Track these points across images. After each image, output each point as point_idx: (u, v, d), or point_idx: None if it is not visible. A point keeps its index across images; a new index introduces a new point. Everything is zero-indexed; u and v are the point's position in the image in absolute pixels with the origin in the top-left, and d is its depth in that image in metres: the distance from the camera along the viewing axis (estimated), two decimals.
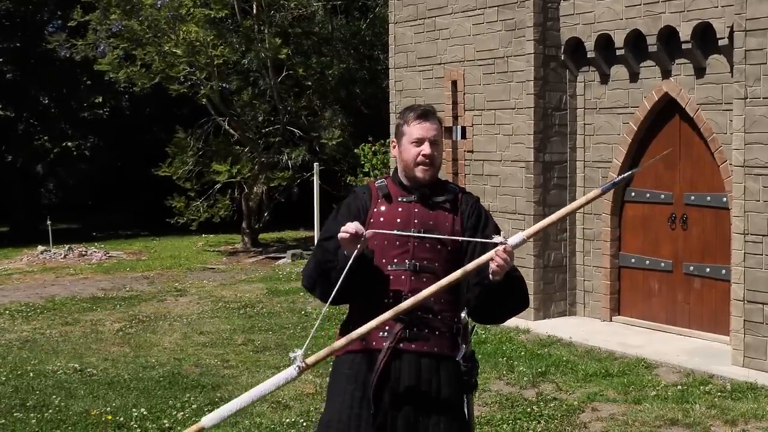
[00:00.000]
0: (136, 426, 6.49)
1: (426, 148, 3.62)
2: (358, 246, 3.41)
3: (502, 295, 3.51)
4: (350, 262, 3.42)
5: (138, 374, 7.97)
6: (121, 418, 6.64)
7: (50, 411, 6.85)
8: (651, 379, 7.68)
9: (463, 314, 3.66)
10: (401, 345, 3.53)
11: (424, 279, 3.55)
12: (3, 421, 6.64)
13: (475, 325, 3.72)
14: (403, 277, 3.55)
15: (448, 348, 3.59)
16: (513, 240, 3.40)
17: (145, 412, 6.77)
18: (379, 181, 3.75)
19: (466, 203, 3.72)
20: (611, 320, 10.07)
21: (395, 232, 3.58)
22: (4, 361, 8.55)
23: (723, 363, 8.13)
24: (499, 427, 6.41)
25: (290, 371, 3.42)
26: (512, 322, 9.91)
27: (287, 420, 6.59)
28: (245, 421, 6.58)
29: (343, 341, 3.47)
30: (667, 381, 7.61)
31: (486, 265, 3.40)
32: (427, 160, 3.62)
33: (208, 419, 3.46)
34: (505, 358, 8.35)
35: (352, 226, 3.41)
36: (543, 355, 8.50)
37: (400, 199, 3.66)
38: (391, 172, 3.86)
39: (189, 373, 8.01)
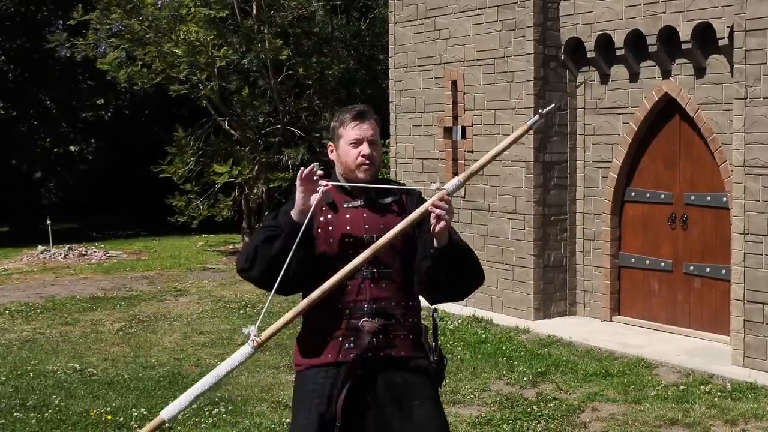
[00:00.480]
0: (136, 426, 6.49)
1: (365, 149, 3.54)
2: (318, 197, 3.38)
3: (452, 264, 3.40)
4: (306, 220, 3.38)
5: (138, 374, 7.97)
6: (121, 418, 6.63)
7: (50, 411, 6.85)
8: (651, 379, 7.68)
9: (433, 311, 3.66)
10: (369, 354, 3.47)
11: (383, 285, 3.49)
12: (3, 421, 6.64)
13: (437, 321, 3.67)
14: (362, 285, 3.45)
15: (412, 350, 3.55)
16: (449, 185, 3.34)
17: (145, 412, 6.77)
18: (322, 185, 3.56)
19: (411, 201, 3.62)
20: (611, 320, 10.07)
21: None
22: (4, 361, 8.55)
23: (723, 363, 8.12)
24: (499, 427, 6.41)
25: (245, 349, 3.38)
26: (512, 322, 9.93)
27: (287, 420, 6.58)
28: (245, 421, 6.58)
29: (303, 303, 3.34)
30: (667, 381, 7.61)
31: (430, 237, 3.36)
32: (368, 161, 3.54)
33: (167, 411, 3.42)
34: (505, 358, 8.35)
35: (304, 196, 3.39)
36: (543, 355, 8.50)
37: (345, 205, 3.55)
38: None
39: (189, 373, 8.01)
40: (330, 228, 3.51)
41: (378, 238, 3.39)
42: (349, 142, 3.56)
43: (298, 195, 3.43)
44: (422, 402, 3.52)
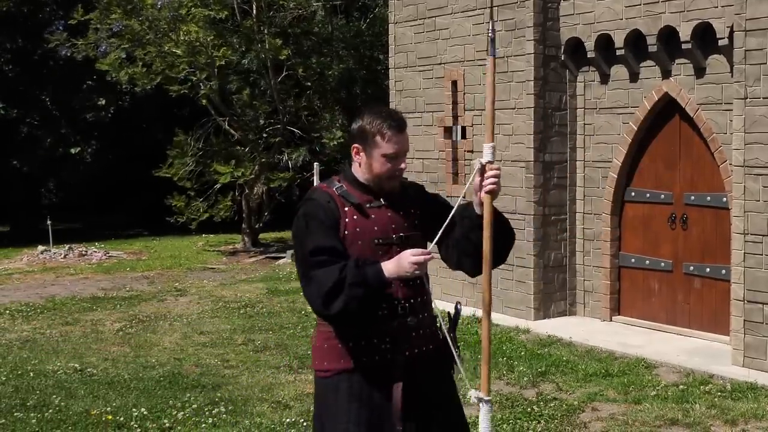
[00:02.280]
0: (136, 426, 6.49)
1: (401, 164, 3.51)
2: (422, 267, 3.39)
3: (499, 227, 3.49)
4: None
5: (138, 374, 7.97)
6: (121, 418, 6.64)
7: (50, 411, 6.85)
8: (651, 379, 7.68)
9: (456, 303, 3.70)
10: (407, 354, 3.49)
11: (411, 283, 3.50)
12: (3, 421, 6.64)
13: (460, 310, 3.70)
14: (393, 285, 3.44)
15: (438, 342, 3.61)
16: (486, 157, 3.45)
17: (145, 412, 6.77)
18: (337, 186, 3.53)
19: (418, 197, 3.68)
20: (611, 320, 10.07)
21: (430, 249, 3.48)
22: (4, 361, 8.56)
23: (723, 363, 8.12)
24: (499, 427, 6.41)
25: (483, 413, 3.47)
26: (512, 322, 9.93)
27: (287, 420, 6.59)
28: (245, 421, 6.58)
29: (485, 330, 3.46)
30: (667, 381, 7.61)
31: (466, 216, 3.50)
32: (400, 174, 3.54)
33: None
34: (505, 358, 8.35)
35: (421, 257, 3.32)
36: (543, 355, 8.50)
37: (368, 206, 3.51)
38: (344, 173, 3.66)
39: (189, 373, 8.01)
40: (358, 230, 3.46)
41: (404, 237, 3.49)
42: (385, 154, 3.47)
43: (410, 269, 3.33)
44: (453, 397, 3.66)
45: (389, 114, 3.55)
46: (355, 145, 3.55)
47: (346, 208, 3.47)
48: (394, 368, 3.46)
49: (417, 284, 3.53)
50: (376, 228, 3.49)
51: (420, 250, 3.36)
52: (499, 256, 3.60)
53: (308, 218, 3.46)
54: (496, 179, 3.41)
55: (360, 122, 3.54)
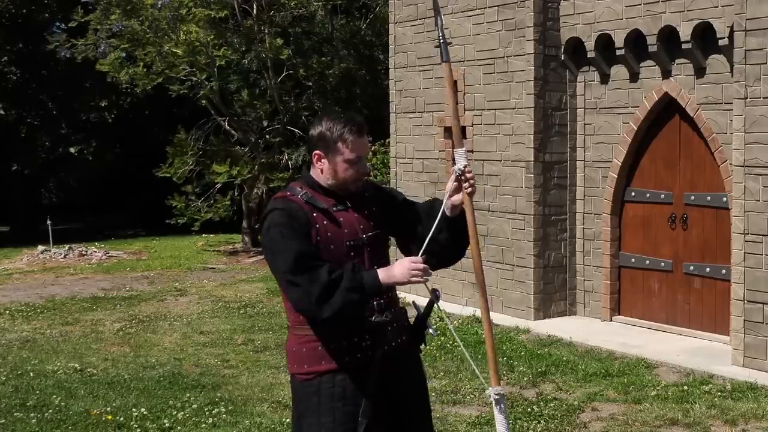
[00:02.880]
0: (136, 426, 6.49)
1: (363, 167, 3.56)
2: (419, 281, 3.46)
3: (462, 228, 3.62)
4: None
5: (138, 374, 7.97)
6: (121, 418, 6.64)
7: (50, 411, 6.85)
8: (651, 379, 7.68)
9: (433, 291, 3.69)
10: (386, 348, 3.55)
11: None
12: (3, 421, 6.64)
13: (440, 296, 3.72)
14: (388, 292, 3.52)
15: (408, 333, 3.68)
16: (460, 162, 3.59)
17: (145, 412, 6.77)
18: (301, 193, 3.52)
19: (376, 195, 3.72)
20: (611, 320, 10.07)
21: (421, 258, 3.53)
22: (4, 361, 8.56)
23: (723, 363, 8.12)
24: None
25: (499, 417, 3.57)
26: (512, 322, 9.93)
27: (287, 420, 6.58)
28: (245, 421, 6.58)
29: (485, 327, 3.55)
30: (667, 381, 7.61)
31: (435, 216, 3.59)
32: (365, 176, 3.61)
33: None
34: (505, 358, 8.35)
35: (421, 265, 3.40)
36: (543, 355, 8.50)
37: (334, 209, 3.54)
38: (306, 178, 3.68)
39: (189, 373, 8.01)
40: (329, 234, 3.49)
41: (373, 236, 3.57)
42: (347, 159, 3.51)
43: (412, 277, 3.39)
44: (419, 384, 3.74)
45: (348, 119, 3.57)
46: (316, 152, 3.57)
47: (315, 214, 3.49)
48: (374, 364, 3.52)
49: None
50: (346, 231, 3.53)
51: (418, 258, 3.44)
52: (457, 253, 3.74)
53: (281, 227, 3.44)
54: (473, 181, 3.59)
55: (320, 128, 3.56)
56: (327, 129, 3.54)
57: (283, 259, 3.40)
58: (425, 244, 3.55)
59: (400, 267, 3.41)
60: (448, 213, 3.60)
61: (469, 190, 3.55)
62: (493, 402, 3.58)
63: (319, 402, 3.50)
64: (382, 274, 3.41)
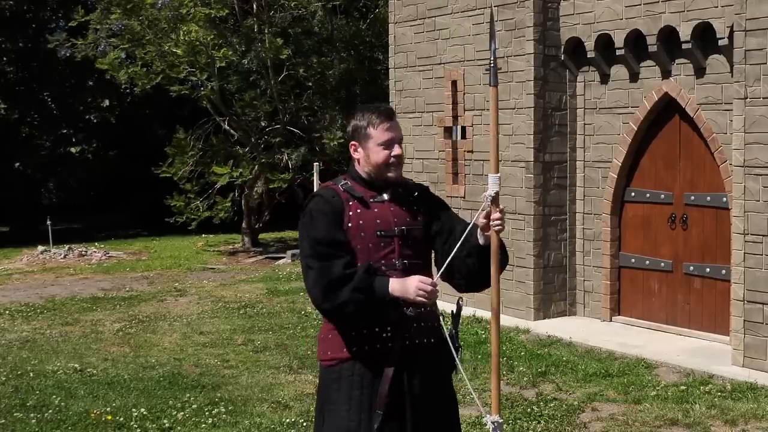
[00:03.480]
0: (136, 426, 6.49)
1: (397, 150, 3.66)
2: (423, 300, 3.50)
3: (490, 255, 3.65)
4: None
5: (138, 374, 7.97)
6: (121, 418, 6.63)
7: (50, 411, 6.85)
8: (651, 379, 7.68)
9: (458, 298, 3.75)
10: (407, 343, 3.59)
11: (414, 275, 3.60)
12: (3, 421, 6.64)
13: (462, 306, 3.77)
14: (394, 276, 3.56)
15: (438, 337, 3.70)
16: (492, 188, 3.58)
17: (145, 412, 6.77)
18: (342, 183, 3.69)
19: (423, 197, 3.80)
20: (611, 320, 10.07)
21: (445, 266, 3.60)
22: (4, 361, 8.55)
23: (723, 363, 8.12)
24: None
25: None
26: (512, 322, 9.93)
27: (287, 420, 6.59)
28: (245, 421, 6.58)
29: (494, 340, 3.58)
30: (667, 381, 7.61)
31: (469, 240, 3.61)
32: (399, 161, 3.67)
33: None
34: (505, 358, 8.34)
35: (429, 287, 3.45)
36: (543, 355, 8.50)
37: (372, 200, 3.66)
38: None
39: (189, 373, 8.01)
40: (361, 222, 3.61)
41: (406, 230, 3.64)
42: (379, 143, 3.64)
43: (413, 294, 3.46)
44: (446, 388, 3.77)
45: (377, 106, 3.76)
46: (352, 142, 3.74)
47: (351, 202, 3.63)
48: (392, 355, 3.56)
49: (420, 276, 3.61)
50: (378, 220, 3.63)
51: (428, 279, 3.50)
52: (485, 280, 3.74)
53: (314, 212, 3.62)
54: (502, 220, 3.59)
55: (353, 121, 3.75)
56: (358, 119, 3.72)
57: (307, 243, 3.58)
58: (444, 264, 3.63)
59: (411, 282, 3.48)
60: (480, 241, 3.63)
61: (498, 228, 3.57)
62: (491, 430, 3.62)
63: (339, 389, 3.59)
64: (394, 284, 3.49)
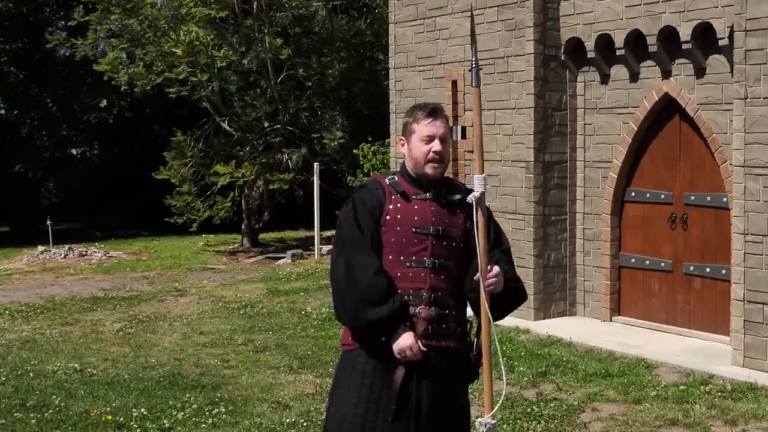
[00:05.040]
0: (136, 426, 6.49)
1: (436, 145, 3.69)
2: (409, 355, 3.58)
3: (501, 298, 3.70)
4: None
5: (138, 374, 7.97)
6: (121, 418, 6.63)
7: (50, 411, 6.85)
8: (651, 379, 7.68)
9: (468, 311, 3.78)
10: (423, 341, 3.61)
11: (442, 276, 3.65)
12: (3, 421, 6.64)
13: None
14: (422, 274, 3.62)
15: (460, 342, 3.73)
16: (479, 187, 3.64)
17: (145, 412, 6.77)
18: (390, 177, 3.78)
19: (464, 201, 3.80)
20: (611, 320, 10.07)
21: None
22: (4, 361, 8.55)
23: (723, 363, 8.12)
24: (499, 427, 6.40)
25: None
26: (512, 322, 9.93)
27: (287, 420, 6.59)
28: (245, 421, 6.58)
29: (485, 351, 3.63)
30: (667, 381, 7.61)
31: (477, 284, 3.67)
32: (438, 157, 3.70)
33: None
34: (505, 359, 8.34)
35: (409, 349, 3.54)
36: (543, 355, 8.50)
37: (414, 197, 3.72)
38: (397, 169, 3.94)
39: (189, 373, 8.00)
40: (399, 217, 3.67)
41: (443, 231, 3.69)
42: (421, 138, 3.71)
43: (408, 353, 3.56)
44: (459, 396, 3.79)
45: (425, 104, 3.86)
46: (400, 137, 3.83)
47: (393, 197, 3.71)
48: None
49: (449, 278, 3.68)
50: (416, 217, 3.68)
51: (417, 346, 3.56)
52: (499, 315, 3.82)
53: (356, 202, 3.73)
54: (496, 279, 3.65)
55: (404, 119, 3.87)
56: (407, 115, 3.83)
57: (344, 231, 3.68)
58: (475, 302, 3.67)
59: (404, 342, 3.56)
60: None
61: (491, 288, 3.63)
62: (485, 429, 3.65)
63: (351, 376, 3.65)
64: (398, 336, 3.58)
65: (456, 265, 3.70)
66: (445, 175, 3.85)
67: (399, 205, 3.68)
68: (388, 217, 3.66)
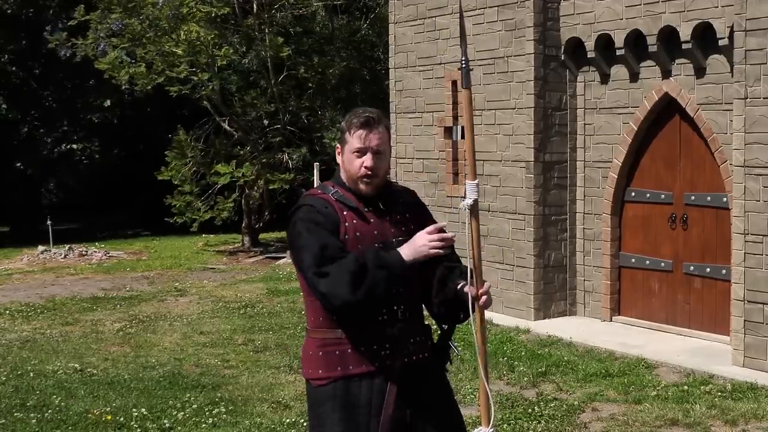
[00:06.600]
0: (136, 426, 6.49)
1: (368, 160, 3.40)
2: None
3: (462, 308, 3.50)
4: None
5: (138, 374, 7.97)
6: (121, 418, 6.64)
7: (50, 411, 6.85)
8: (651, 379, 7.68)
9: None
10: (406, 360, 3.47)
11: (409, 287, 3.47)
12: (3, 421, 6.64)
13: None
14: (392, 289, 3.39)
15: (429, 350, 3.60)
16: (472, 194, 3.37)
17: (145, 412, 6.77)
18: (332, 191, 3.46)
19: (413, 205, 3.65)
20: (611, 320, 10.07)
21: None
22: (4, 361, 8.56)
23: (723, 363, 8.12)
24: (499, 427, 6.40)
25: None
26: (513, 322, 9.94)
27: (287, 420, 6.59)
28: (245, 421, 6.58)
29: (482, 371, 3.45)
30: (667, 381, 7.61)
31: (447, 286, 3.48)
32: (370, 173, 3.41)
33: None
34: (505, 358, 8.35)
35: (435, 235, 3.29)
36: (543, 355, 8.50)
37: (365, 210, 3.46)
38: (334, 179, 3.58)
39: (189, 373, 8.01)
40: (358, 234, 3.41)
41: (402, 241, 3.39)
42: (352, 150, 3.42)
43: (431, 249, 3.31)
44: (448, 398, 3.65)
45: (362, 111, 3.48)
46: (337, 145, 3.54)
47: (345, 213, 3.42)
48: (391, 374, 3.43)
49: (414, 292, 3.50)
50: (376, 232, 3.45)
51: (433, 227, 3.33)
52: (450, 324, 3.65)
53: (307, 222, 3.39)
54: (488, 298, 3.45)
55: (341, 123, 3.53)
56: (344, 121, 3.49)
57: (309, 253, 3.32)
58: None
59: (418, 241, 3.31)
60: (463, 295, 3.42)
61: (482, 303, 3.42)
62: None
63: (333, 409, 3.41)
64: (404, 250, 3.32)
65: (417, 274, 3.46)
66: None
67: (354, 221, 3.41)
68: (347, 236, 3.37)
